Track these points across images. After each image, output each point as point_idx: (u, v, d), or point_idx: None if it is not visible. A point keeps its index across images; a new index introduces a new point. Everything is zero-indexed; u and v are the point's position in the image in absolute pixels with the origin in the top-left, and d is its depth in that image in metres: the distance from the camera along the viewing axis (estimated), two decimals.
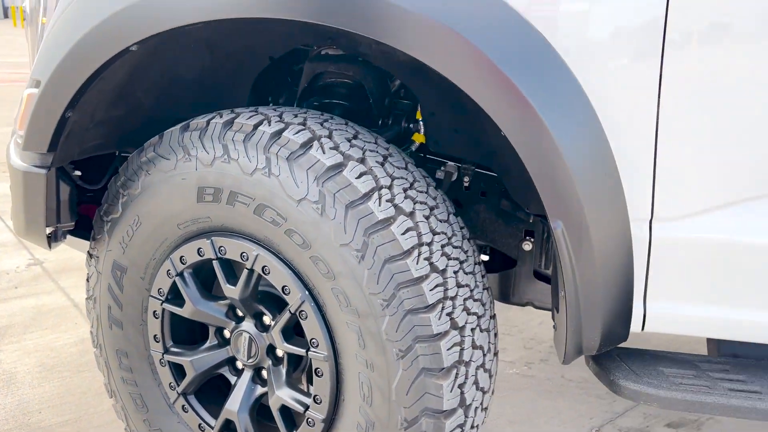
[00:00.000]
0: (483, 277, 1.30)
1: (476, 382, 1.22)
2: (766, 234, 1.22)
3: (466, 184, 1.73)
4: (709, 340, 1.47)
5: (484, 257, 2.02)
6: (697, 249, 1.23)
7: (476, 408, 1.23)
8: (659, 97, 1.15)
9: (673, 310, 1.28)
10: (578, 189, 1.14)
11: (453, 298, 1.17)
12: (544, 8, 1.14)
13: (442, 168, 1.70)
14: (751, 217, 1.22)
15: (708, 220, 1.22)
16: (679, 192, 1.20)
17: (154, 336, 1.45)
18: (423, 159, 1.75)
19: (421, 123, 1.72)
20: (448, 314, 1.15)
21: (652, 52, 1.13)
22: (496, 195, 1.71)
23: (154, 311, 1.42)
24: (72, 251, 2.80)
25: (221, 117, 1.29)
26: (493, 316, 1.31)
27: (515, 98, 1.11)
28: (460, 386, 1.17)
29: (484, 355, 1.24)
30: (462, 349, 1.17)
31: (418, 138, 1.73)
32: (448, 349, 1.15)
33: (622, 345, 1.40)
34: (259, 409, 1.41)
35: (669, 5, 1.12)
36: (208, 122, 1.29)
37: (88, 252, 1.53)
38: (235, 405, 1.38)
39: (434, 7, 1.11)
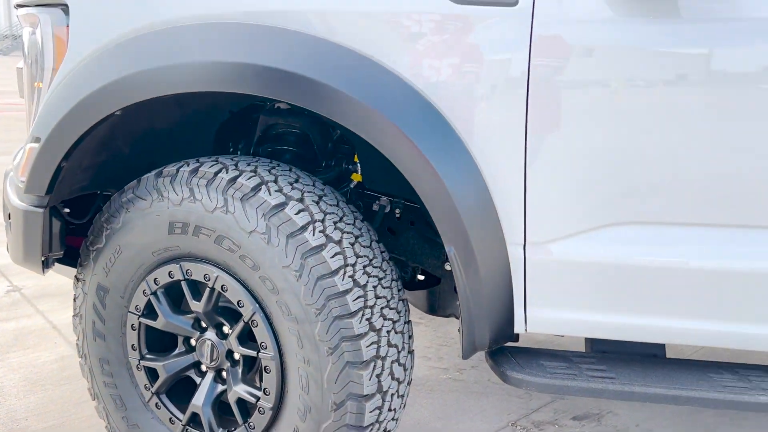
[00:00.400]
0: (399, 290, 1.64)
1: (392, 373, 1.54)
2: (619, 254, 1.57)
3: (397, 215, 2.07)
4: (586, 339, 1.82)
5: (420, 276, 2.37)
6: (563, 266, 1.57)
7: (392, 394, 1.56)
8: (525, 148, 1.49)
9: (550, 315, 1.62)
10: (464, 222, 1.49)
11: (372, 307, 1.50)
12: (432, 80, 1.48)
13: (377, 202, 2.04)
14: (606, 240, 1.57)
15: (572, 243, 1.55)
16: (545, 222, 1.54)
17: (132, 345, 1.74)
18: (361, 194, 2.09)
19: (358, 164, 2.06)
20: (368, 319, 1.48)
21: (519, 110, 1.46)
22: (423, 224, 2.05)
23: (132, 324, 1.72)
24: (48, 278, 3.07)
25: (188, 165, 1.61)
26: (407, 322, 1.64)
27: (414, 155, 1.46)
28: (378, 376, 1.50)
29: (399, 352, 1.57)
30: (379, 347, 1.50)
31: (356, 177, 2.07)
32: (367, 347, 1.48)
33: (517, 345, 1.75)
34: (220, 404, 1.71)
35: (530, 65, 1.46)
36: (177, 170, 1.60)
37: (76, 276, 1.82)
38: (200, 400, 1.68)
39: (351, 86, 1.46)
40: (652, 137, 1.46)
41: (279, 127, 1.99)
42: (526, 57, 1.45)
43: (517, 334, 1.66)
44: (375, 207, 2.04)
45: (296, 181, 1.59)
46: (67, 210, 1.85)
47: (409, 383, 1.65)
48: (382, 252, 1.63)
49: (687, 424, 2.28)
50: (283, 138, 2.00)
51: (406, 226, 2.09)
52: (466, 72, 1.49)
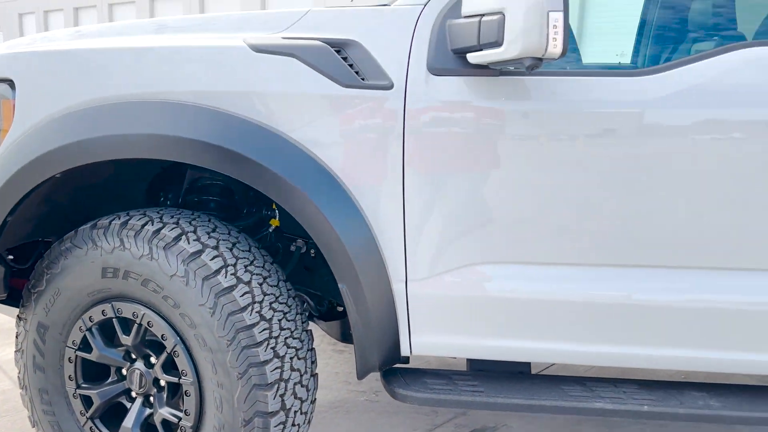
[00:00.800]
0: (304, 323, 1.93)
1: (294, 394, 1.82)
2: (484, 288, 1.89)
3: (312, 255, 2.36)
4: (467, 359, 2.13)
5: (339, 308, 2.65)
6: (440, 299, 1.88)
7: (295, 411, 1.84)
8: (404, 203, 1.81)
9: (431, 340, 1.93)
10: (354, 263, 1.79)
11: (276, 337, 1.78)
12: (327, 149, 1.80)
13: (295, 243, 2.33)
14: (474, 276, 1.89)
15: (446, 279, 1.87)
16: (423, 262, 1.85)
17: (69, 376, 1.97)
18: (280, 237, 2.37)
19: (276, 211, 2.35)
20: (272, 348, 1.77)
21: (397, 171, 1.78)
22: None
23: (69, 357, 1.96)
24: None
25: (119, 219, 1.87)
26: (311, 349, 1.93)
27: (311, 211, 1.76)
28: (281, 396, 1.78)
29: (302, 375, 1.85)
30: (282, 371, 1.78)
31: (275, 222, 2.36)
32: (271, 371, 1.76)
33: (409, 366, 2.05)
34: (147, 426, 1.95)
35: (405, 136, 1.79)
36: (110, 222, 1.87)
37: (18, 315, 2.05)
38: (129, 423, 1.93)
39: (259, 154, 1.76)
40: (505, 192, 1.80)
41: (204, 180, 2.26)
42: (401, 129, 1.78)
43: (407, 357, 1.97)
44: (292, 248, 2.33)
45: (213, 230, 1.87)
46: (11, 256, 2.08)
47: (312, 402, 1.93)
48: (288, 290, 1.92)
49: None
50: (209, 189, 2.28)
51: (321, 264, 2.37)
52: (353, 141, 1.81)
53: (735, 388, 1.96)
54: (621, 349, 1.87)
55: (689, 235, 1.78)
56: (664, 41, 2.19)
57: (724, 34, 2.16)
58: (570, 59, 2.06)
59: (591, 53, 2.03)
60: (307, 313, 2.32)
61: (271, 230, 2.35)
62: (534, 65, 1.59)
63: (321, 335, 3.21)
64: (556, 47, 1.53)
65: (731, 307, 1.80)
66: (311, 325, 2.14)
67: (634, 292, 1.83)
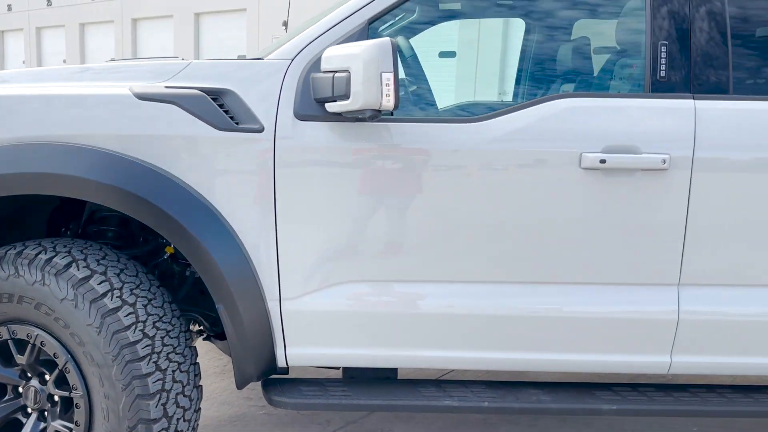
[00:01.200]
0: (187, 340, 2.15)
1: (176, 403, 2.04)
2: (349, 304, 2.16)
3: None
4: (342, 368, 2.39)
5: None
6: (310, 315, 2.14)
7: (178, 419, 2.05)
8: (276, 232, 2.07)
9: (305, 352, 2.18)
10: (230, 286, 2.03)
11: (159, 353, 2.00)
12: (206, 185, 2.05)
13: (189, 268, 2.55)
14: (340, 294, 2.15)
15: (315, 297, 2.13)
16: (294, 283, 2.11)
17: None
18: (176, 262, 2.58)
19: None
20: (155, 362, 1.98)
21: (269, 203, 2.04)
22: None
23: None
24: None
25: (15, 248, 2.06)
26: (194, 364, 2.15)
27: (191, 242, 2.00)
28: (164, 405, 1.99)
29: (184, 386, 2.07)
30: (164, 382, 1.99)
31: (170, 249, 2.57)
32: (153, 383, 1.97)
33: (290, 376, 2.29)
34: None
35: (275, 172, 2.05)
36: (5, 252, 2.05)
37: None
38: None
39: (143, 191, 1.99)
40: (361, 218, 2.09)
41: (102, 211, 2.47)
42: (272, 167, 2.05)
43: (285, 367, 2.21)
44: (187, 273, 2.54)
45: (103, 258, 2.08)
46: None
47: (196, 411, 2.15)
48: (173, 310, 2.14)
49: None
50: (107, 220, 2.48)
51: None
52: (229, 177, 2.07)
53: (566, 385, 2.29)
54: (469, 354, 2.19)
55: (500, 253, 2.11)
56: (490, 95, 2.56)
57: (539, 89, 2.55)
58: (424, 109, 2.39)
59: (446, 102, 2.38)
60: (197, 332, 2.54)
61: (166, 257, 2.56)
62: (374, 116, 1.90)
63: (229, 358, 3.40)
64: (389, 102, 1.84)
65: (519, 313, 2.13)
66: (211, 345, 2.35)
67: (474, 303, 2.14)
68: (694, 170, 2.06)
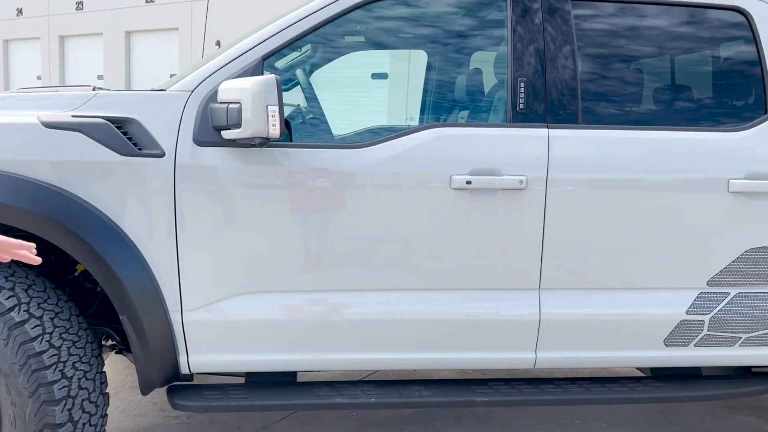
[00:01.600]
0: (93, 350, 2.30)
1: (82, 408, 2.19)
2: (247, 314, 2.36)
3: None
4: (246, 372, 2.58)
5: None
6: (211, 324, 2.34)
7: (84, 423, 2.20)
8: (177, 250, 2.26)
9: (207, 359, 2.37)
10: (132, 299, 2.21)
11: (65, 362, 2.15)
12: (111, 206, 2.22)
13: (99, 285, 2.69)
14: (238, 305, 2.35)
15: (214, 309, 2.33)
16: (195, 296, 2.31)
17: None
18: (88, 279, 2.72)
19: None
20: (60, 370, 2.13)
21: (170, 223, 2.24)
22: None
23: None
24: None
25: None
26: (100, 372, 2.30)
27: (97, 260, 2.17)
28: (69, 410, 2.14)
29: (90, 393, 2.22)
30: (70, 389, 2.14)
31: (80, 267, 2.71)
32: (59, 390, 2.12)
33: (202, 382, 2.47)
34: None
35: (176, 193, 2.26)
36: None
37: None
38: None
39: (51, 211, 2.15)
40: (255, 234, 2.31)
41: (15, 230, 2.59)
42: (172, 188, 2.25)
43: (189, 374, 2.39)
44: (98, 289, 2.69)
45: (12, 275, 2.22)
46: None
47: (103, 416, 2.30)
48: (80, 323, 2.30)
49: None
50: (20, 238, 2.60)
51: None
52: (133, 199, 2.25)
53: (447, 381, 2.56)
54: (358, 356, 2.43)
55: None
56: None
57: (424, 116, 2.86)
58: (317, 136, 2.65)
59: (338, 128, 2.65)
60: (110, 347, 2.68)
61: (77, 274, 2.70)
62: (262, 142, 2.14)
63: None
64: (275, 130, 2.08)
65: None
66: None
67: (362, 310, 2.39)
68: (548, 189, 2.39)
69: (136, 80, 18.44)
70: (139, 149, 2.23)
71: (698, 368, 2.76)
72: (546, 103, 2.44)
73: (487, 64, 2.67)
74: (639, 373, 3.02)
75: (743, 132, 2.54)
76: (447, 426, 3.13)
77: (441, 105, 2.81)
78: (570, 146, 2.42)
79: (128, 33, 18.51)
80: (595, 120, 2.51)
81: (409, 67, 3.01)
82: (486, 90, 2.72)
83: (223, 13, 14.90)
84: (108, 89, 2.48)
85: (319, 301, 2.39)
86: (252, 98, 2.07)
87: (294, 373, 2.59)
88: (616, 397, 2.52)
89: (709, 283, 2.52)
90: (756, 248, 2.50)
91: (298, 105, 2.73)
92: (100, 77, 18.40)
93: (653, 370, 2.79)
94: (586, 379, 2.63)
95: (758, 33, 2.59)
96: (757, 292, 2.55)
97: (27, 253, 1.81)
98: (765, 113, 2.57)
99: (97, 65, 18.60)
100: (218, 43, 17.51)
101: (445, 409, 3.23)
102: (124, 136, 2.23)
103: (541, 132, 2.42)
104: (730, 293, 2.53)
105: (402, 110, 2.93)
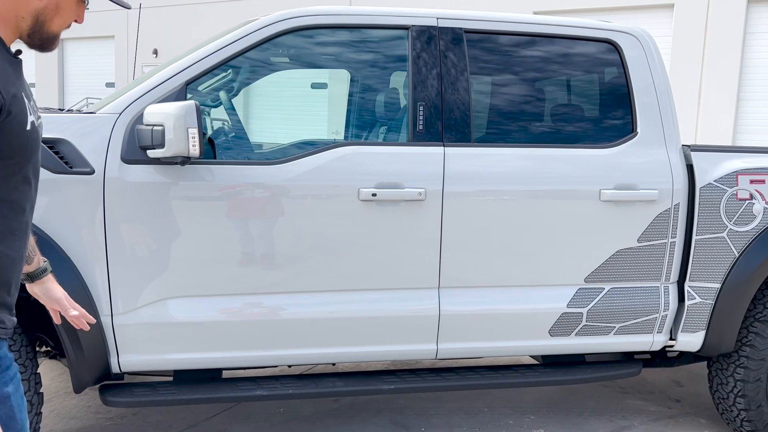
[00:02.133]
0: (28, 353, 2.48)
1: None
2: (172, 316, 2.59)
3: None
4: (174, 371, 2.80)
5: None
6: (139, 326, 2.55)
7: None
8: (107, 260, 2.48)
9: (136, 359, 2.59)
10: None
11: None
12: (45, 220, 2.42)
13: None
14: (163, 308, 2.58)
15: (142, 312, 2.54)
16: (123, 301, 2.52)
17: None
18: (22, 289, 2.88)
19: None
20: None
21: (100, 235, 2.46)
22: None
23: None
24: None
25: None
26: (35, 373, 2.48)
27: None
28: None
29: (26, 393, 2.40)
30: None
31: None
32: None
33: (137, 380, 2.67)
34: None
35: (105, 207, 2.48)
36: None
37: None
38: None
39: None
40: (178, 243, 2.54)
41: None
42: (102, 203, 2.47)
43: (120, 373, 2.60)
44: (31, 298, 2.85)
45: None
46: None
47: (38, 414, 2.48)
48: (16, 327, 2.46)
49: (274, 428, 3.37)
50: None
51: None
52: (65, 213, 2.45)
53: (359, 373, 2.85)
54: (277, 353, 2.69)
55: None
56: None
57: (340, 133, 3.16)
58: (240, 152, 2.90)
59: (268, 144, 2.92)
60: (44, 353, 2.85)
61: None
62: (184, 161, 2.38)
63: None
64: (195, 150, 2.33)
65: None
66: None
67: (277, 311, 2.65)
68: (444, 200, 2.71)
69: (69, 89, 18.10)
70: (70, 167, 2.44)
71: (582, 355, 3.14)
72: (442, 124, 2.77)
73: (393, 91, 3.00)
74: (533, 361, 3.38)
75: (613, 148, 2.94)
76: (368, 418, 3.42)
77: (353, 124, 3.11)
78: (463, 162, 2.76)
79: (62, 40, 18.09)
80: (485, 139, 2.86)
81: (330, 88, 3.30)
82: (394, 112, 3.04)
83: (158, 21, 14.85)
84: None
85: (239, 303, 2.64)
86: (174, 121, 2.31)
87: (219, 371, 2.82)
88: (508, 382, 2.86)
89: (587, 280, 2.90)
90: (625, 249, 2.90)
91: (222, 125, 2.97)
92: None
93: (544, 357, 3.16)
94: (483, 367, 2.96)
95: (626, 63, 3.00)
96: (627, 287, 2.94)
97: (81, 320, 1.82)
98: (632, 132, 2.98)
99: (28, 73, 18.12)
100: (155, 52, 17.44)
101: (366, 403, 3.52)
102: (56, 155, 2.43)
103: (437, 150, 2.74)
104: (604, 288, 2.92)
105: (320, 128, 3.21)
